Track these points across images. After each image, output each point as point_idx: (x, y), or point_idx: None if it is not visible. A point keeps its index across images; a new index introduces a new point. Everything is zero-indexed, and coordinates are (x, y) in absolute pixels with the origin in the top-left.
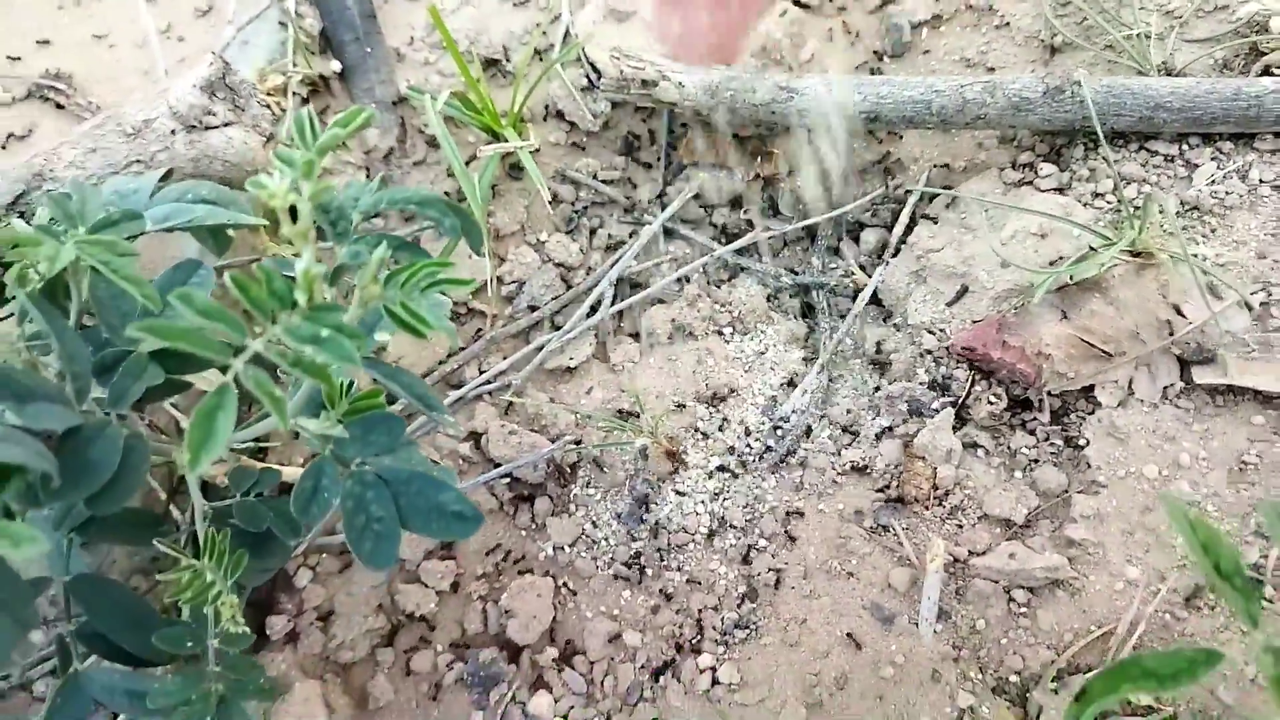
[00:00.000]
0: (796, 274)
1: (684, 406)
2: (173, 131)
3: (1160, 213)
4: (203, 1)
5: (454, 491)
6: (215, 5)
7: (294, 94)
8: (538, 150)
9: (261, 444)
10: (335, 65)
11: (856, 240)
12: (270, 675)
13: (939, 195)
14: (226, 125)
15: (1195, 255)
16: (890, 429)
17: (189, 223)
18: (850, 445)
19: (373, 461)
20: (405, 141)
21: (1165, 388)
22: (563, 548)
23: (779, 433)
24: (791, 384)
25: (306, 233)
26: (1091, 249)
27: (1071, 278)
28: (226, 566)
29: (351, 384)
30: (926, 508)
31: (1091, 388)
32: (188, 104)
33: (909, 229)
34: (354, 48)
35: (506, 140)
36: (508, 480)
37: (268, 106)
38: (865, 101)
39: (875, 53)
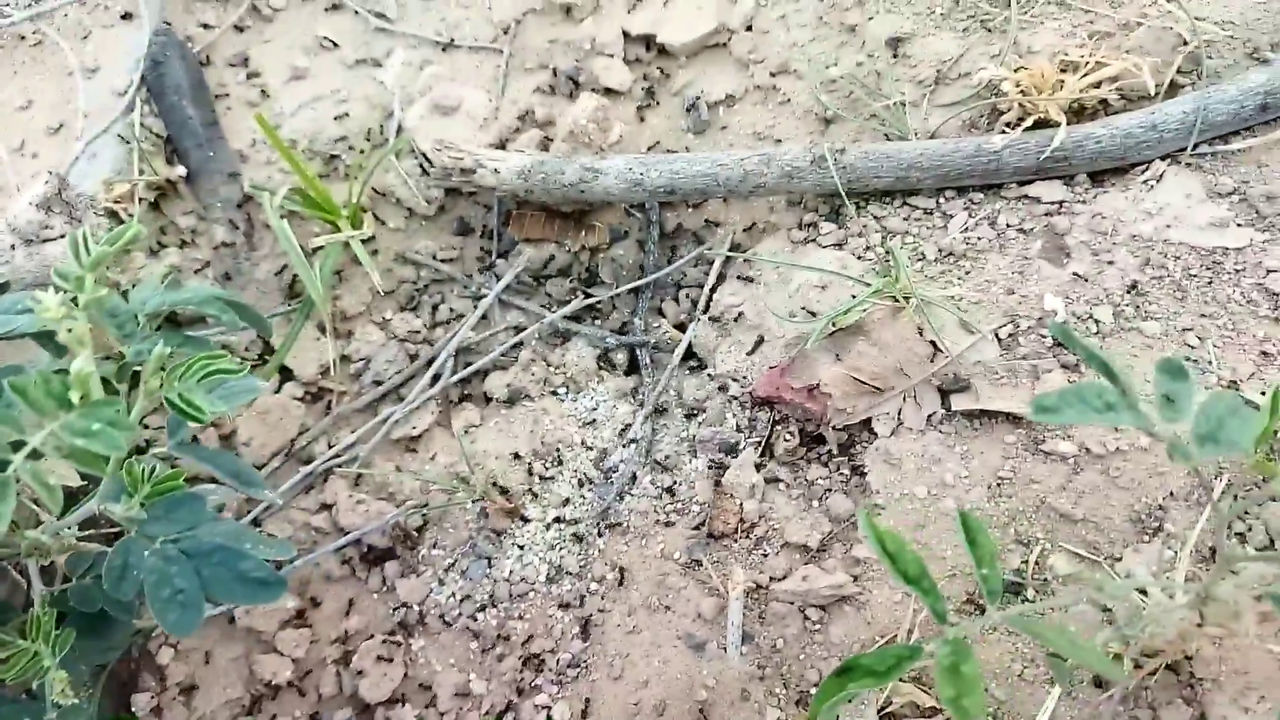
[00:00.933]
0: (623, 334)
1: (522, 464)
2: (12, 246)
3: (918, 260)
4: (53, 120)
5: (254, 559)
6: (65, 122)
7: (140, 200)
8: (372, 238)
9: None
10: (180, 170)
11: (676, 299)
12: None
13: (737, 257)
14: (62, 237)
15: (951, 295)
16: (703, 470)
17: (11, 331)
18: (671, 487)
19: (177, 538)
20: (253, 236)
21: (929, 415)
22: (411, 606)
23: (609, 481)
24: (621, 435)
25: (81, 338)
26: (853, 297)
27: (835, 324)
28: (54, 644)
29: (154, 469)
30: (735, 540)
31: (870, 420)
32: (25, 220)
33: (715, 287)
34: (197, 153)
35: (343, 231)
36: (359, 546)
37: (114, 214)
38: (661, 177)
39: (680, 131)
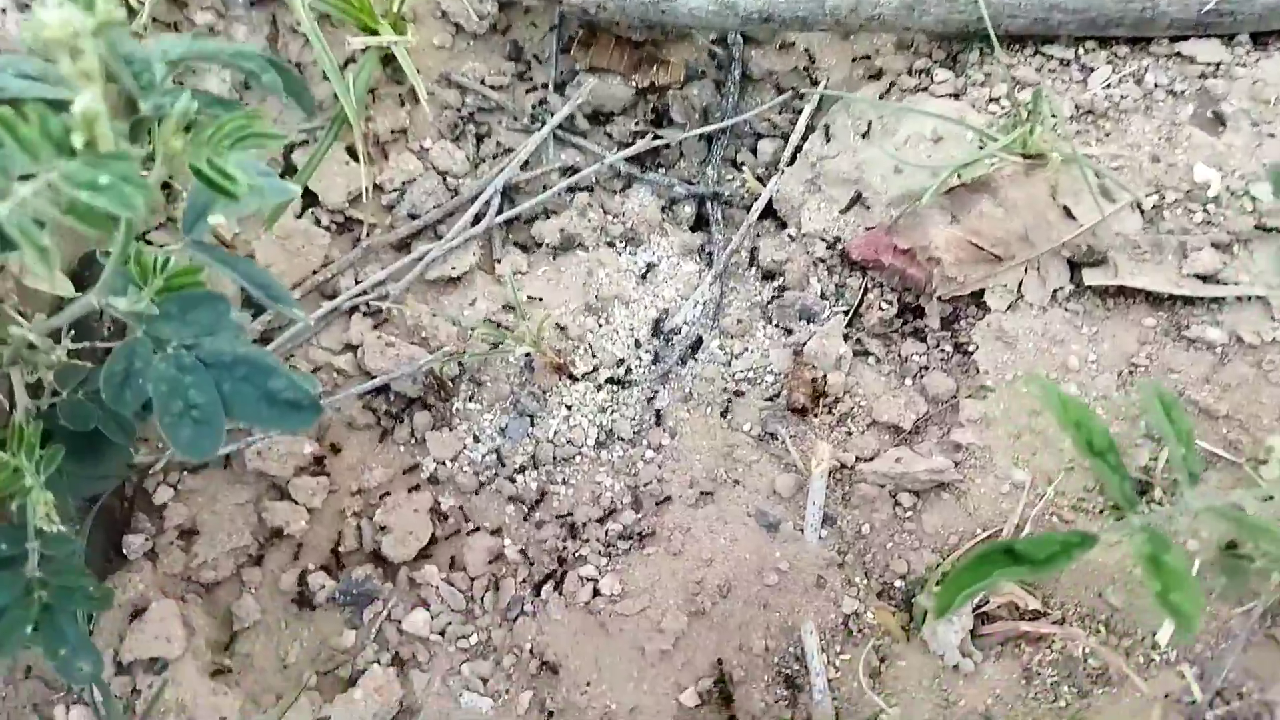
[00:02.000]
0: (691, 184)
1: (573, 318)
2: (3, 10)
3: (1053, 116)
4: None
5: (287, 377)
6: None
7: None
8: (415, 47)
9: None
10: None
11: (754, 151)
12: (103, 587)
13: (836, 103)
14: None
15: (1088, 157)
16: (781, 338)
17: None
18: (741, 355)
19: (193, 344)
20: (277, 41)
21: (1055, 290)
22: (443, 462)
23: (670, 344)
24: (684, 296)
25: (91, 71)
26: (981, 148)
27: (960, 177)
28: (38, 461)
29: (168, 260)
30: (815, 415)
31: (981, 292)
32: None
33: (805, 138)
34: None
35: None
36: (385, 395)
37: (124, 3)
38: (757, 0)
39: None
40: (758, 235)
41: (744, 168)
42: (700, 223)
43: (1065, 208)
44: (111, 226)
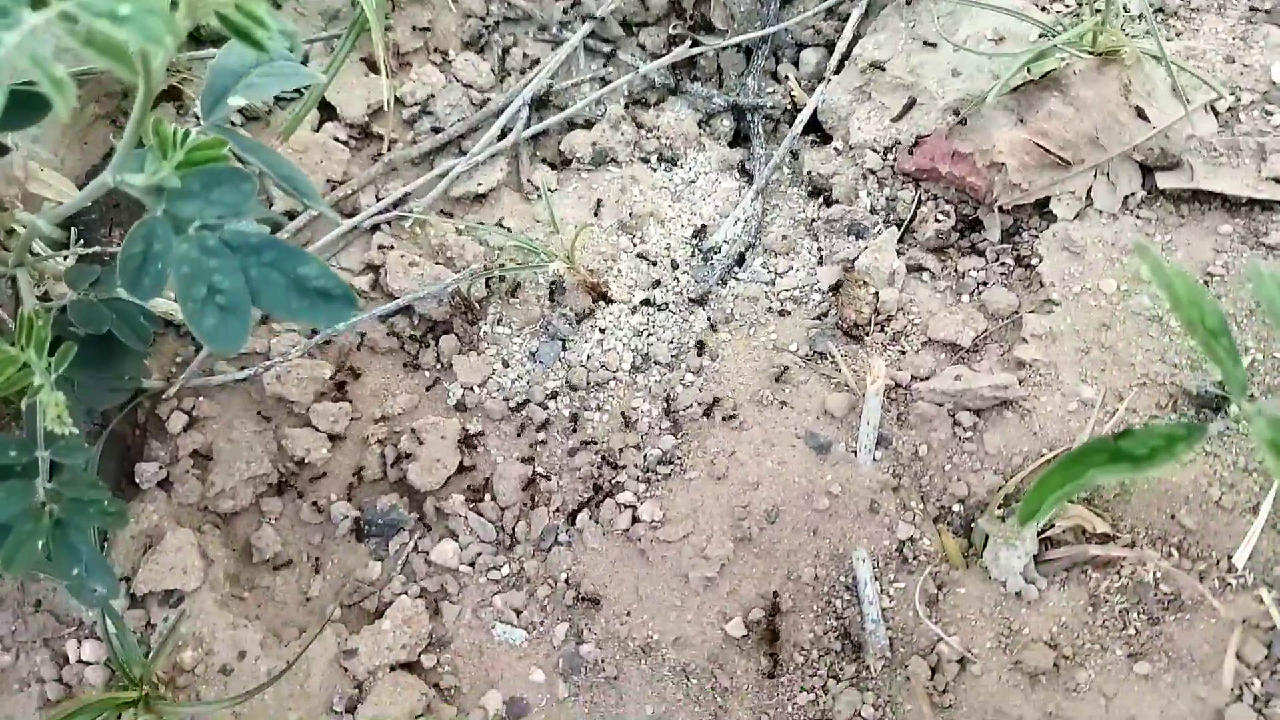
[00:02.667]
0: (730, 96)
1: (606, 237)
2: None
3: (1125, 10)
4: None
5: (317, 264)
6: None
7: None
8: None
9: None
10: None
11: (796, 63)
12: (118, 501)
13: (887, 4)
14: None
15: (1164, 55)
16: (829, 255)
17: None
18: (786, 273)
19: (216, 224)
20: None
21: (1126, 197)
22: (471, 388)
23: (709, 263)
24: (723, 214)
25: None
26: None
27: (1030, 71)
28: (49, 360)
29: (188, 133)
30: (867, 333)
31: (1046, 201)
32: None
33: (853, 45)
34: None
35: None
36: (409, 317)
37: None
38: None
39: None
40: (801, 150)
41: (787, 79)
42: (739, 138)
43: (1138, 108)
44: (131, 66)
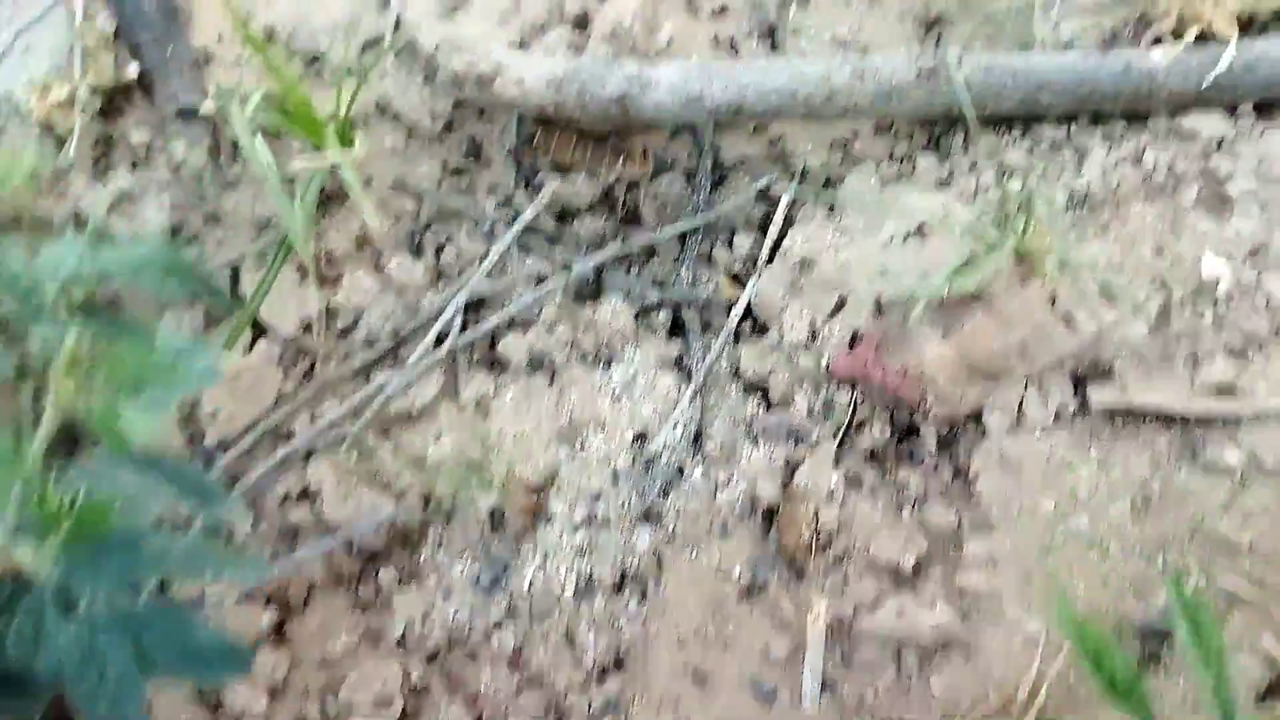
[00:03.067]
0: (665, 288)
1: (545, 447)
2: None
3: (1043, 209)
4: None
5: (208, 631)
6: None
7: (82, 110)
8: (364, 157)
9: None
10: (133, 70)
11: (730, 245)
12: None
13: (815, 195)
14: None
15: (1086, 256)
16: (768, 463)
17: None
18: (727, 484)
19: (106, 596)
20: (219, 156)
21: (1058, 410)
22: (413, 624)
23: (649, 474)
24: (662, 414)
25: None
26: (971, 251)
27: (951, 286)
28: None
29: (75, 498)
30: (809, 556)
31: (980, 412)
32: None
33: (784, 232)
34: (153, 49)
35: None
36: (348, 549)
37: (49, 126)
38: (727, 93)
39: (734, 38)
40: (738, 340)
41: (720, 268)
42: (676, 326)
43: (1065, 315)
44: None
